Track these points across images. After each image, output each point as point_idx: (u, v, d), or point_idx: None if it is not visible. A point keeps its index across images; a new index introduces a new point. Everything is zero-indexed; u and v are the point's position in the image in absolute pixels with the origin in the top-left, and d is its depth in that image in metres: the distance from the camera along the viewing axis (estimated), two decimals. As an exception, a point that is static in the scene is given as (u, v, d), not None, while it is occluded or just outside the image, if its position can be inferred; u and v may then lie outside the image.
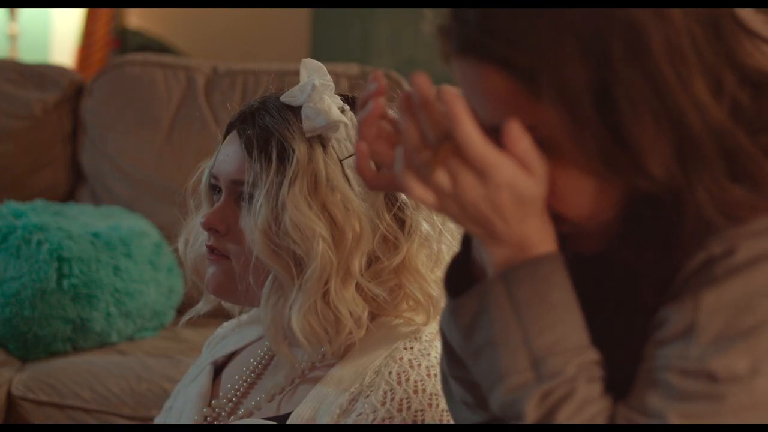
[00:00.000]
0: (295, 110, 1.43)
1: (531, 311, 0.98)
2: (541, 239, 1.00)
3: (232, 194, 1.45)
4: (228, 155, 1.45)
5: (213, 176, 1.48)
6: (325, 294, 1.39)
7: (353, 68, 2.91)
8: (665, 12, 0.95)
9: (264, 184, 1.40)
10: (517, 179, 0.98)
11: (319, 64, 1.46)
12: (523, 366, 0.98)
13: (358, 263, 1.39)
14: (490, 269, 1.01)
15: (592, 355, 0.99)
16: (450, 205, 0.99)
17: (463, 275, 1.10)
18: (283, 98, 1.45)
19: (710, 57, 0.97)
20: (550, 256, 1.00)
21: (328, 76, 1.45)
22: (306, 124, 1.41)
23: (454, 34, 0.99)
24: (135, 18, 4.91)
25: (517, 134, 0.97)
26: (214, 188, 1.48)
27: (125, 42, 4.68)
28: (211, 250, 1.45)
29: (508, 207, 0.98)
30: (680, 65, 0.96)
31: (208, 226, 1.44)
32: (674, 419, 0.95)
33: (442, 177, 0.98)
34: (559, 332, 0.98)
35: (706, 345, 0.96)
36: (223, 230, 1.44)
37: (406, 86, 2.91)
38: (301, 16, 4.87)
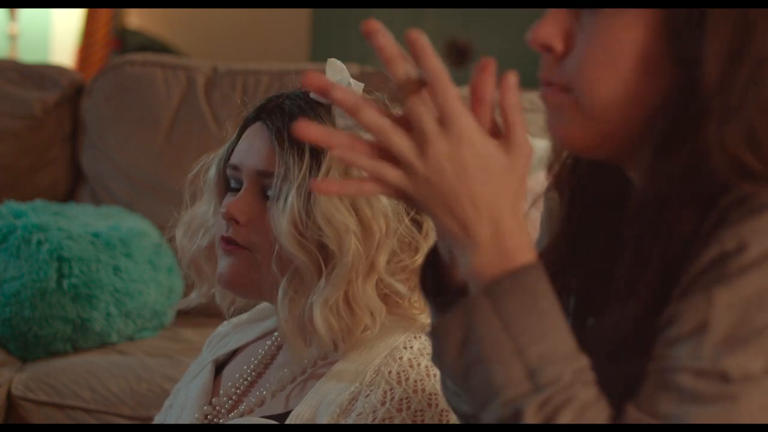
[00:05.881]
0: (326, 107, 1.44)
1: (521, 323, 0.97)
2: (520, 245, 0.98)
3: (256, 185, 1.45)
4: (254, 147, 1.46)
5: (233, 167, 1.48)
6: (348, 290, 1.40)
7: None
8: None
9: (296, 177, 1.40)
10: (479, 137, 0.97)
11: (342, 65, 1.47)
12: (518, 377, 0.96)
13: (383, 260, 1.41)
14: (471, 280, 0.99)
15: (584, 360, 0.99)
16: (419, 182, 0.97)
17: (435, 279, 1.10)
18: (312, 95, 1.45)
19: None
20: (533, 266, 0.98)
21: (351, 79, 1.46)
22: (340, 122, 1.42)
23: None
24: (135, 18, 4.91)
25: (512, 95, 0.98)
26: (230, 180, 1.49)
27: (125, 42, 4.68)
28: (228, 240, 1.45)
29: (472, 171, 0.96)
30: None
31: (230, 216, 1.44)
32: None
33: (406, 142, 0.96)
34: (551, 341, 0.97)
35: (719, 344, 0.95)
36: (243, 221, 1.44)
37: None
38: (301, 16, 4.87)
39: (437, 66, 0.96)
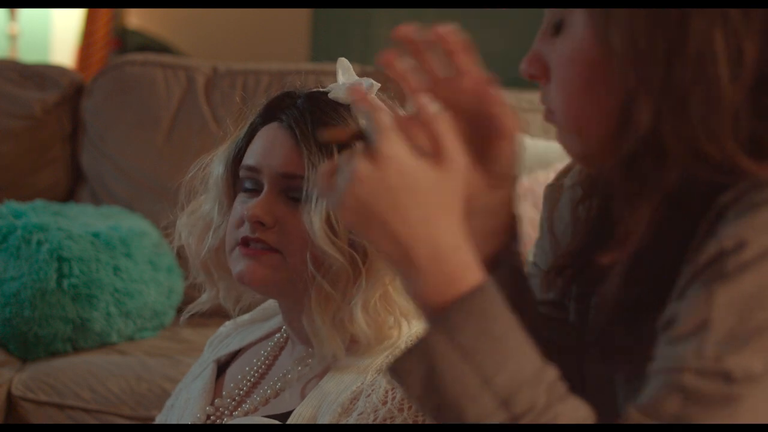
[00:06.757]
0: (346, 107, 1.44)
1: (479, 352, 0.95)
2: (463, 264, 0.97)
3: (278, 186, 1.43)
4: (274, 148, 1.44)
5: (249, 168, 1.46)
6: (384, 289, 1.40)
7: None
8: None
9: None
10: (406, 156, 0.97)
11: (350, 65, 1.47)
12: (491, 408, 0.95)
13: None
14: (420, 307, 0.98)
15: (552, 372, 0.98)
16: (349, 199, 0.97)
17: None
18: (331, 95, 1.45)
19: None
20: (481, 288, 0.97)
21: (371, 79, 1.46)
22: (364, 123, 1.42)
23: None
24: (135, 18, 4.90)
25: (428, 108, 0.99)
26: (243, 181, 1.47)
27: (125, 42, 4.68)
28: (252, 242, 1.43)
29: (400, 191, 0.96)
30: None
31: (255, 219, 1.42)
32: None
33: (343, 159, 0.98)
34: (515, 364, 0.96)
35: (721, 342, 0.95)
36: (270, 223, 1.42)
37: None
38: (301, 16, 4.87)
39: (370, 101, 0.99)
